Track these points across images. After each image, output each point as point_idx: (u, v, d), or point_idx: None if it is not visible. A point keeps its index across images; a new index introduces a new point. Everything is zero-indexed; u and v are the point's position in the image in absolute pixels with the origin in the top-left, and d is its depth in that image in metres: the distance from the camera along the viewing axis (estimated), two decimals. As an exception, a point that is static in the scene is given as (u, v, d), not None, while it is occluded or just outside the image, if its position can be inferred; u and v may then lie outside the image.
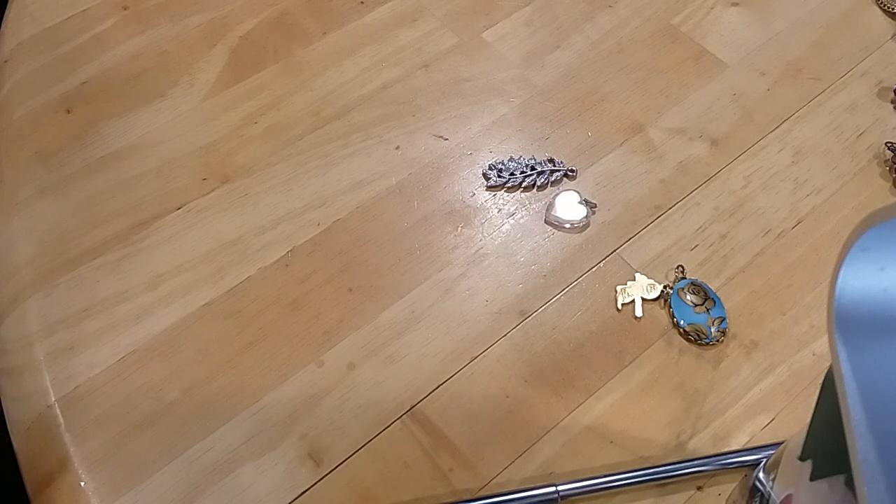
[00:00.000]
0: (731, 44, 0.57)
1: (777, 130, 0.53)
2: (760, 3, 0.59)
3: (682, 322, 0.44)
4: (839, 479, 0.24)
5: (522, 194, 0.50)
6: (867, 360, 0.22)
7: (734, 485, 0.39)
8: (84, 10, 0.58)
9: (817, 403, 0.26)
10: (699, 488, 0.39)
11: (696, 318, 0.44)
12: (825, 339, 0.44)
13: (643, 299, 0.45)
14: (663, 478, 0.39)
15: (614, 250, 0.47)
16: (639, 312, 0.45)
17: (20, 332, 0.44)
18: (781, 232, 0.48)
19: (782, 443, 0.32)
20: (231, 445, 0.40)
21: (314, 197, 0.49)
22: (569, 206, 0.48)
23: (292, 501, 0.39)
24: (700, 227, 0.48)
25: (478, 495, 0.39)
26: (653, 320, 0.45)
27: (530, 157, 0.51)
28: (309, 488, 0.39)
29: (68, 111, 0.53)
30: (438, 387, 0.42)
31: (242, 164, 0.51)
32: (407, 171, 0.50)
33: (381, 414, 0.41)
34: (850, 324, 0.22)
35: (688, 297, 0.45)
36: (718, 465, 0.39)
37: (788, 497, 0.29)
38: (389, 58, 0.56)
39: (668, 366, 0.43)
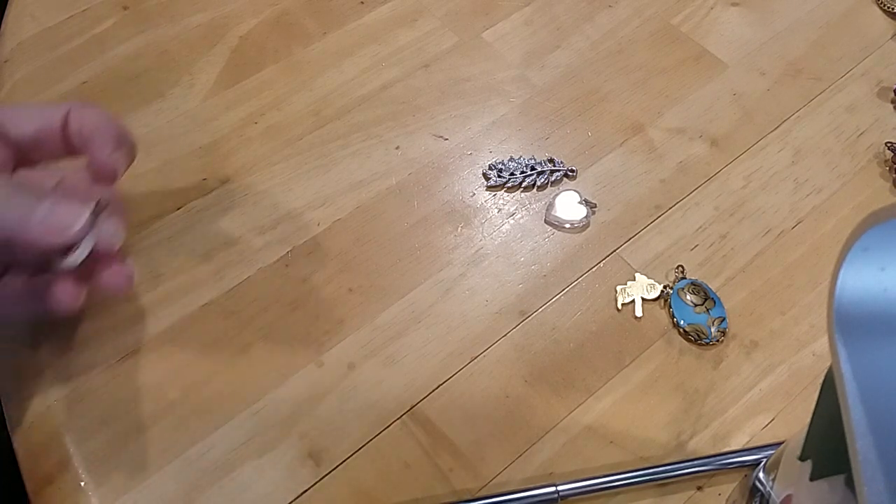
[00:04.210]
0: (731, 44, 0.57)
1: (777, 130, 0.53)
2: (760, 3, 0.60)
3: (682, 322, 0.44)
4: (839, 479, 0.24)
5: (522, 194, 0.50)
6: (867, 360, 0.22)
7: (734, 485, 0.39)
8: (84, 10, 0.58)
9: (817, 403, 0.27)
10: (699, 488, 0.39)
11: (696, 318, 0.44)
12: (825, 339, 0.44)
13: (643, 299, 0.45)
14: (663, 478, 0.39)
15: (614, 250, 0.47)
16: (639, 312, 0.45)
17: (20, 332, 0.44)
18: (781, 232, 0.48)
19: (782, 443, 0.32)
20: (231, 445, 0.40)
21: (314, 197, 0.49)
22: (569, 206, 0.48)
23: (292, 501, 0.39)
24: (700, 227, 0.48)
25: (478, 495, 0.39)
26: (653, 320, 0.45)
27: (530, 157, 0.51)
28: (309, 488, 0.39)
29: (68, 111, 0.53)
30: (438, 387, 0.42)
31: (242, 164, 0.51)
32: (407, 171, 0.50)
33: (381, 414, 0.41)
34: (850, 324, 0.22)
35: (688, 297, 0.45)
36: (718, 465, 0.39)
37: (788, 497, 0.29)
38: (389, 58, 0.56)
39: (668, 366, 0.43)
